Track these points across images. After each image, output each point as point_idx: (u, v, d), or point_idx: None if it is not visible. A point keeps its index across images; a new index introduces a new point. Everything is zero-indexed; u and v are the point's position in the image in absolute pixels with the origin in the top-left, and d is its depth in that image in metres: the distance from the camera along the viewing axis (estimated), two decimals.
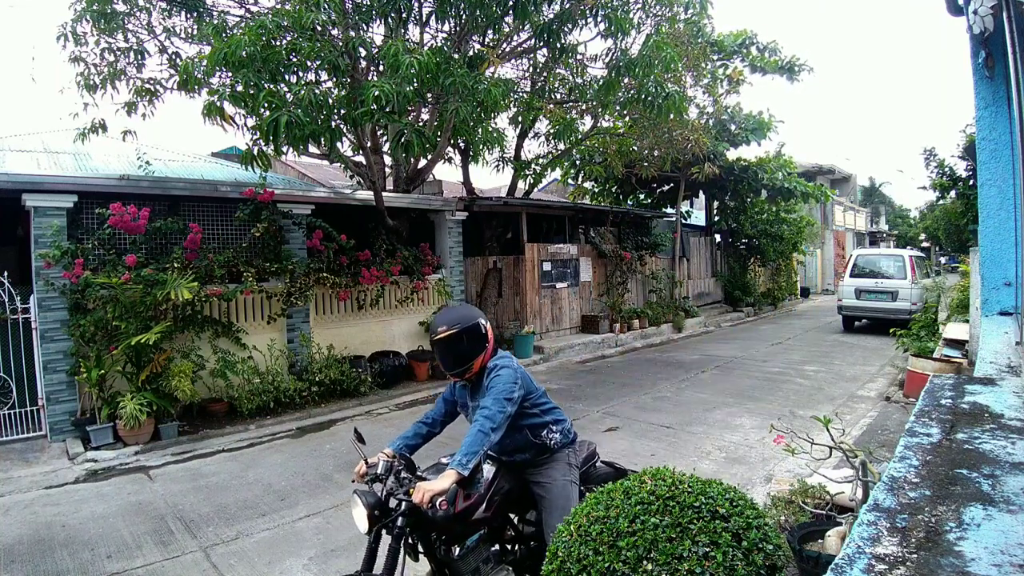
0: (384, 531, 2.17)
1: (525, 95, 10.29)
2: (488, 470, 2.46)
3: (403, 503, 2.12)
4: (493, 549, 2.46)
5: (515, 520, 2.72)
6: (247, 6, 8.54)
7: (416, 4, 7.51)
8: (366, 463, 2.43)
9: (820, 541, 3.02)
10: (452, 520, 2.23)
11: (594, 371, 9.51)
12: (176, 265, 6.61)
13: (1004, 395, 2.00)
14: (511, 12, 7.34)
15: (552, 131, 10.31)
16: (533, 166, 11.74)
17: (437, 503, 2.10)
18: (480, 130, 7.64)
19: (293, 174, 14.00)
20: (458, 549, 2.29)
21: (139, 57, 8.62)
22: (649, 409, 7.03)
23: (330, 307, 8.55)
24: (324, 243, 8.06)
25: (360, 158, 9.33)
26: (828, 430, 3.30)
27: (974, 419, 1.78)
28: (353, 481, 2.46)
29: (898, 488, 1.34)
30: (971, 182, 9.08)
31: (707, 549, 1.68)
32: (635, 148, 11.89)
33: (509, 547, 2.65)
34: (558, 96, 10.78)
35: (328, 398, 7.58)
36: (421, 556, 2.33)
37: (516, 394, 2.37)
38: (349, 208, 8.98)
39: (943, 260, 15.33)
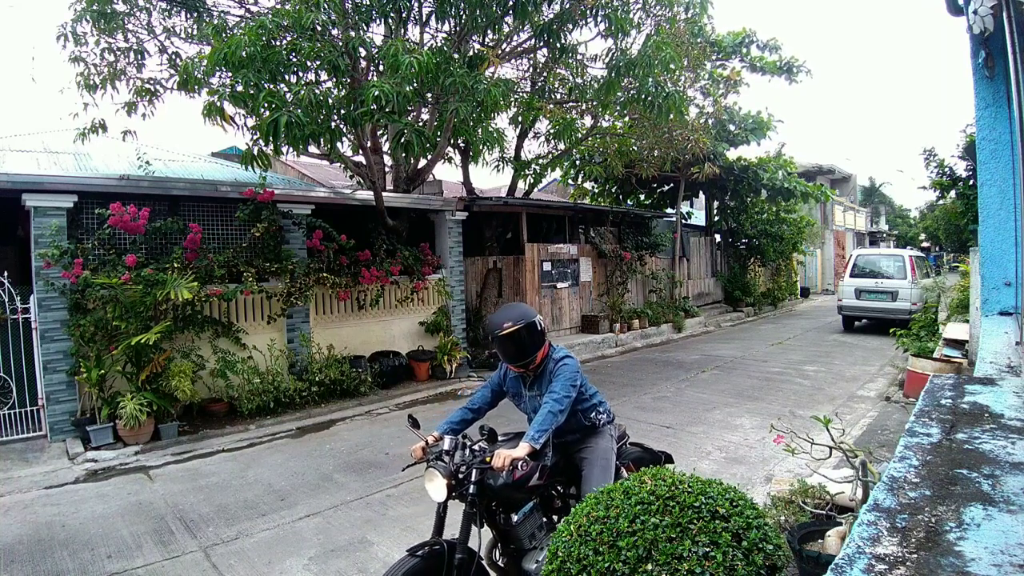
0: (459, 499, 2.45)
1: (525, 95, 10.28)
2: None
3: (474, 470, 2.40)
4: (543, 520, 2.73)
5: (562, 491, 2.95)
6: (247, 6, 8.54)
7: (416, 4, 7.50)
8: (426, 444, 2.66)
9: (820, 541, 3.02)
10: (510, 487, 2.49)
11: (594, 371, 9.51)
12: (176, 265, 6.60)
13: (1004, 395, 2.00)
14: (511, 12, 7.33)
15: (552, 131, 10.30)
16: (533, 166, 11.73)
17: (519, 466, 2.36)
18: (480, 130, 7.62)
19: (293, 174, 13.99)
20: (515, 516, 2.56)
21: (139, 57, 8.61)
22: (649, 409, 7.03)
23: (330, 307, 8.54)
24: (324, 243, 8.05)
25: (360, 158, 9.32)
26: (828, 430, 3.30)
27: (974, 419, 1.78)
28: (412, 464, 2.68)
29: (898, 488, 1.34)
30: (971, 182, 9.06)
31: (707, 549, 1.68)
32: (635, 148, 11.88)
33: (556, 518, 2.88)
34: (558, 96, 10.78)
35: (328, 398, 7.58)
36: (481, 526, 2.58)
37: (578, 382, 2.71)
38: (349, 208, 8.98)
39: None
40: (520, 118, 10.70)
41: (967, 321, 6.95)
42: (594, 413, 2.85)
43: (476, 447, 2.56)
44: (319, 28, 6.16)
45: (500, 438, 2.69)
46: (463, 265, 10.28)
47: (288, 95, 6.16)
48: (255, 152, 6.43)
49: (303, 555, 3.75)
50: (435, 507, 2.49)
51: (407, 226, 9.55)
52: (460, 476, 2.41)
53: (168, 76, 8.79)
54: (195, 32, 8.45)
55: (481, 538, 2.54)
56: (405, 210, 9.49)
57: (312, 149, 8.56)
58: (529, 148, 12.22)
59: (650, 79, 8.01)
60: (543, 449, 2.50)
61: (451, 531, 2.43)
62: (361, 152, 8.98)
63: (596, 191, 16.60)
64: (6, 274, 6.21)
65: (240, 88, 5.94)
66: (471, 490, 2.38)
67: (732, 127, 14.45)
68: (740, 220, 17.81)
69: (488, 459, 2.39)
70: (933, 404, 1.94)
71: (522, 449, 2.37)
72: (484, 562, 2.60)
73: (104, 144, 9.84)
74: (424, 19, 8.14)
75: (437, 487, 2.40)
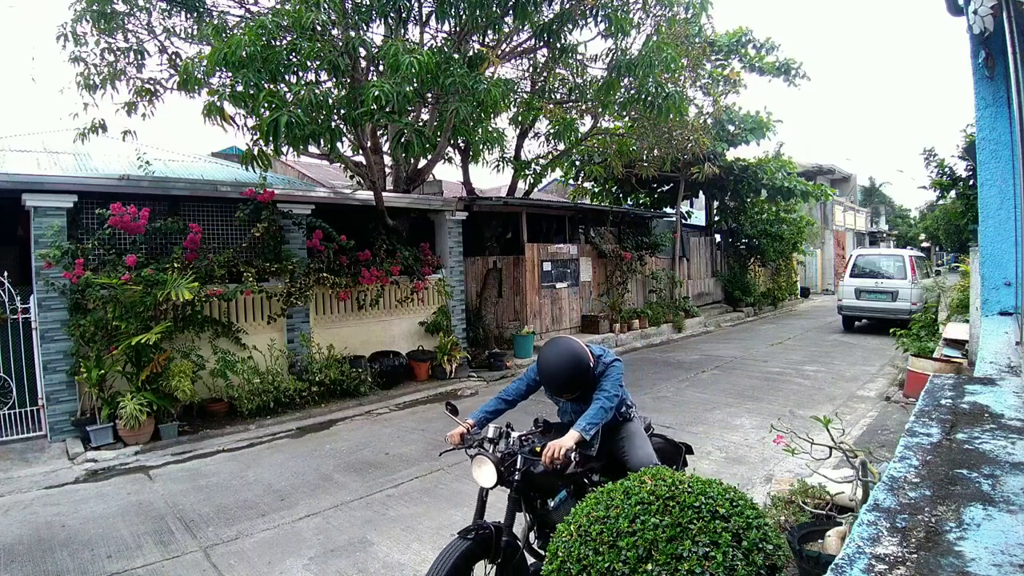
0: (504, 485, 2.56)
1: (525, 95, 10.28)
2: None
3: (520, 458, 2.52)
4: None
5: (596, 480, 3.01)
6: (247, 6, 8.54)
7: (416, 4, 7.50)
8: (466, 431, 2.78)
9: (820, 541, 3.02)
10: (549, 475, 2.56)
11: None
12: (176, 265, 6.60)
13: (1004, 395, 2.00)
14: (511, 12, 7.33)
15: (552, 131, 10.29)
16: (533, 166, 11.72)
17: (572, 457, 2.44)
18: (480, 130, 7.63)
19: (293, 174, 13.99)
20: (551, 502, 2.66)
21: (139, 57, 8.60)
22: (649, 409, 7.02)
23: (330, 307, 8.54)
24: (324, 243, 8.05)
25: (360, 158, 9.32)
26: (828, 430, 3.30)
27: (974, 419, 1.78)
28: (450, 449, 2.84)
29: (898, 488, 1.34)
30: (971, 182, 9.06)
31: (707, 549, 1.68)
32: (635, 148, 11.88)
33: None
34: (558, 96, 10.77)
35: (328, 398, 7.58)
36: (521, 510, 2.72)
37: (622, 382, 2.87)
38: (349, 208, 8.98)
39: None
40: (520, 118, 10.69)
41: (967, 321, 6.94)
42: (624, 408, 3.01)
43: (522, 436, 2.68)
44: (319, 28, 6.15)
45: (544, 428, 2.80)
46: (463, 265, 10.27)
47: (288, 95, 6.16)
48: (255, 152, 6.43)
49: (303, 555, 3.75)
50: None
51: (407, 226, 9.55)
52: (507, 464, 2.52)
53: (168, 76, 8.78)
54: (195, 32, 8.45)
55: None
56: (405, 210, 9.49)
57: (312, 149, 8.55)
58: (529, 148, 12.22)
59: (650, 79, 8.02)
60: (591, 441, 2.62)
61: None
62: (361, 152, 8.98)
63: (596, 191, 16.59)
64: (6, 274, 6.21)
65: (240, 88, 5.94)
66: (517, 478, 2.50)
67: (732, 127, 14.43)
68: (740, 220, 17.80)
69: (538, 449, 2.51)
70: (933, 404, 1.94)
71: (571, 438, 2.46)
72: (521, 544, 2.69)
73: (104, 144, 9.84)
74: (424, 19, 8.14)
75: (486, 473, 2.51)
